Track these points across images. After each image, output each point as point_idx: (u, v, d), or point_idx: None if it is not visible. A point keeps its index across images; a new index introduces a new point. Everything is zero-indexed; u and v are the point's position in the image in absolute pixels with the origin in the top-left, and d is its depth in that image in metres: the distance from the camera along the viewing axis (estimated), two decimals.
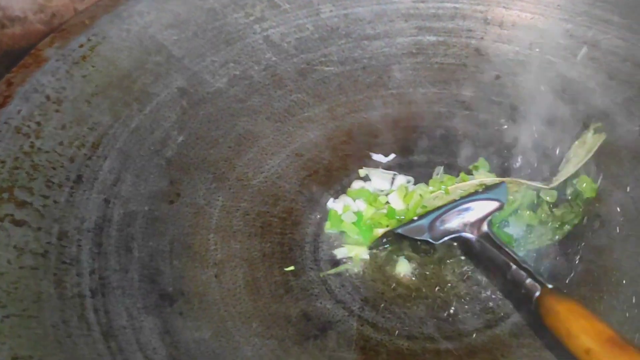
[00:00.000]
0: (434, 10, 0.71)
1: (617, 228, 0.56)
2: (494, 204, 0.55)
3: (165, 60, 0.62)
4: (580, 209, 0.57)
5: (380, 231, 0.57)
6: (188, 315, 0.49)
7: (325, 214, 0.59)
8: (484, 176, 0.60)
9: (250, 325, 0.50)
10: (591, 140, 0.60)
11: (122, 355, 0.44)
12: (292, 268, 0.55)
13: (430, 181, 0.61)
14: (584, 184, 0.58)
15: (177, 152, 0.59)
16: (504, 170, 0.62)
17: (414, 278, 0.55)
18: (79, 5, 0.74)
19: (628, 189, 0.58)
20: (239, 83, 0.66)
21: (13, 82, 0.52)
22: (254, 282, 0.54)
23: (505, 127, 0.65)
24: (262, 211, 0.59)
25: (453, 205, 0.55)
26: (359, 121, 0.67)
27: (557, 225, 0.56)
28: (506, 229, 0.57)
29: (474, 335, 0.51)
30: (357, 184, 0.61)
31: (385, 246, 0.57)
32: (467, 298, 0.53)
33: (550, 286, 0.47)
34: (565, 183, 0.59)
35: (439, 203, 0.57)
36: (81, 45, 0.58)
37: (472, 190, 0.57)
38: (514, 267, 0.49)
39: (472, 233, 0.54)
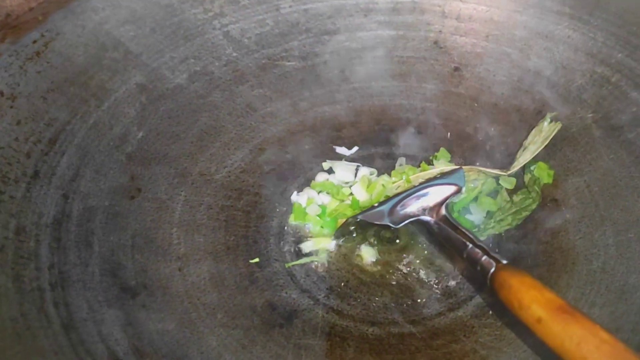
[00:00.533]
0: (392, 4, 0.72)
1: (572, 211, 0.57)
2: (452, 188, 0.56)
3: (123, 57, 0.62)
4: (538, 195, 0.58)
5: (343, 220, 0.57)
6: (151, 307, 0.49)
7: (289, 206, 0.60)
8: (444, 165, 0.61)
9: (215, 316, 0.50)
10: (547, 129, 0.61)
11: (84, 347, 0.43)
12: (257, 260, 0.56)
13: (393, 172, 0.61)
14: (541, 171, 0.60)
15: (137, 148, 0.59)
16: (464, 159, 0.63)
17: (378, 266, 0.56)
18: (34, 4, 0.73)
19: (582, 174, 0.59)
20: (200, 79, 0.66)
21: None
22: (218, 275, 0.54)
23: (465, 117, 0.66)
24: (226, 205, 0.59)
25: (412, 191, 0.56)
26: (322, 115, 0.67)
27: (515, 211, 0.58)
28: (467, 216, 0.58)
29: (437, 318, 0.52)
30: (321, 177, 0.62)
31: (349, 235, 0.57)
32: (430, 283, 0.54)
33: (504, 262, 0.48)
34: (523, 170, 0.60)
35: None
36: (34, 41, 0.57)
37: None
38: (470, 246, 0.50)
39: (431, 216, 0.55)
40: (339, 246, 0.57)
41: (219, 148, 0.63)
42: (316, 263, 0.56)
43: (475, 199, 0.59)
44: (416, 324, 0.51)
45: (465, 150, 0.64)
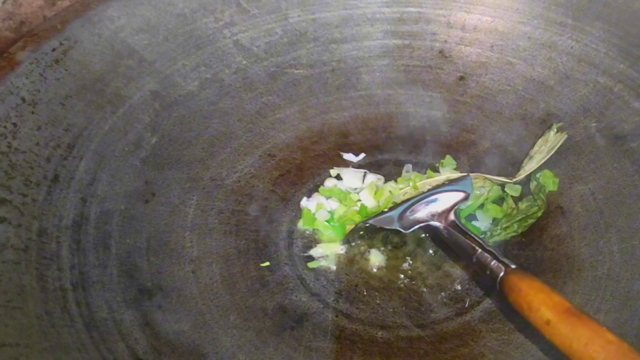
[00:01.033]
0: (398, 14, 0.73)
1: (577, 218, 0.58)
2: (460, 195, 0.57)
3: (137, 64, 0.63)
4: (544, 202, 0.59)
5: (352, 225, 0.58)
6: (167, 308, 0.50)
7: (298, 211, 0.61)
8: (449, 172, 0.63)
9: (228, 317, 0.51)
10: (553, 139, 0.62)
11: (105, 345, 0.45)
12: (267, 264, 0.57)
13: (399, 178, 0.63)
14: (546, 178, 0.61)
15: (151, 153, 0.60)
16: (470, 167, 0.65)
17: (386, 271, 0.57)
18: (48, 12, 0.74)
19: (586, 182, 0.60)
20: (210, 86, 0.67)
21: None
22: (230, 278, 0.55)
23: (470, 125, 0.68)
24: (236, 210, 0.60)
25: (421, 197, 0.57)
26: (329, 122, 0.68)
27: (521, 218, 0.59)
28: (474, 222, 0.60)
29: (445, 322, 0.53)
30: (329, 182, 0.63)
31: (358, 240, 0.58)
32: (438, 288, 0.55)
33: (513, 266, 0.49)
34: (528, 178, 0.62)
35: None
36: (54, 49, 0.58)
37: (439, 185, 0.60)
38: (479, 250, 0.51)
39: (440, 222, 0.56)
40: (347, 251, 0.58)
41: (230, 154, 0.64)
42: (325, 267, 0.57)
43: (482, 206, 0.60)
44: (424, 327, 0.53)
45: (471, 157, 0.65)
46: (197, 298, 0.52)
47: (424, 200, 0.57)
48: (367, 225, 0.57)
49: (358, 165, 0.65)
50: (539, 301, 0.45)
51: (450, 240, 0.55)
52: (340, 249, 0.58)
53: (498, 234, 0.58)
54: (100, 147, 0.57)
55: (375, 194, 0.61)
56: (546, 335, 0.44)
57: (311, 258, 0.57)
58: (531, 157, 0.62)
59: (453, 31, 0.73)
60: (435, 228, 0.56)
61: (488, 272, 0.50)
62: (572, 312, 0.43)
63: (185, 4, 0.67)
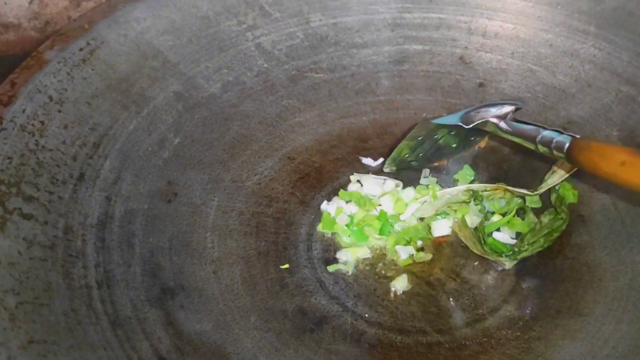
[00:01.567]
0: (419, 20, 0.74)
1: (598, 227, 0.58)
2: (514, 105, 0.60)
3: (162, 65, 0.64)
4: (567, 215, 0.59)
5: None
6: (189, 308, 0.51)
7: (317, 215, 0.61)
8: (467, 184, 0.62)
9: (249, 319, 0.52)
10: None
11: (130, 344, 0.45)
12: (287, 266, 0.57)
13: (418, 186, 0.62)
14: (566, 191, 0.60)
15: (173, 154, 0.61)
16: (488, 174, 0.64)
17: (405, 276, 0.57)
18: (72, 13, 0.75)
19: (608, 191, 0.60)
20: (232, 88, 0.67)
21: (16, 83, 0.53)
22: (250, 279, 0.55)
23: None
24: (256, 211, 0.60)
25: (480, 105, 0.61)
26: (349, 126, 0.69)
27: (546, 232, 0.58)
28: (496, 235, 0.59)
29: (464, 329, 0.53)
30: (353, 187, 0.63)
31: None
32: (457, 294, 0.55)
33: (577, 136, 0.51)
34: (549, 189, 0.61)
35: (429, 207, 0.59)
36: (81, 49, 0.59)
37: (460, 196, 0.59)
38: (544, 131, 0.54)
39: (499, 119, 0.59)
40: (368, 255, 0.58)
41: (250, 156, 0.64)
42: (344, 271, 0.57)
43: (506, 221, 0.59)
44: (444, 333, 0.53)
45: (490, 164, 0.65)
46: (219, 298, 0.53)
47: (484, 106, 0.60)
48: (430, 122, 0.60)
49: (376, 171, 0.65)
50: (612, 149, 0.48)
51: (511, 131, 0.57)
52: (365, 253, 0.58)
53: (525, 250, 0.57)
54: (124, 146, 0.58)
55: (395, 200, 0.61)
56: (621, 177, 0.46)
57: (331, 261, 0.58)
58: (554, 172, 0.62)
59: (474, 37, 0.73)
60: (496, 123, 0.58)
61: (554, 146, 0.52)
62: None
63: (210, 6, 0.68)
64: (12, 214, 0.47)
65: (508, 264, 0.57)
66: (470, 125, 0.59)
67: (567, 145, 0.51)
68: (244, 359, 0.48)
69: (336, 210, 0.60)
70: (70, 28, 0.60)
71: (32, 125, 0.52)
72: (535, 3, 0.71)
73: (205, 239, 0.57)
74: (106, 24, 0.61)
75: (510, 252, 0.57)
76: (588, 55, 0.68)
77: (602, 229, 0.58)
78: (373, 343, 0.52)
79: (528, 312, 0.53)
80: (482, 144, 0.66)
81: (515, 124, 0.57)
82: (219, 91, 0.67)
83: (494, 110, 0.59)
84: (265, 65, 0.70)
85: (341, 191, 0.62)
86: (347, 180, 0.64)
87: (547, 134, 0.53)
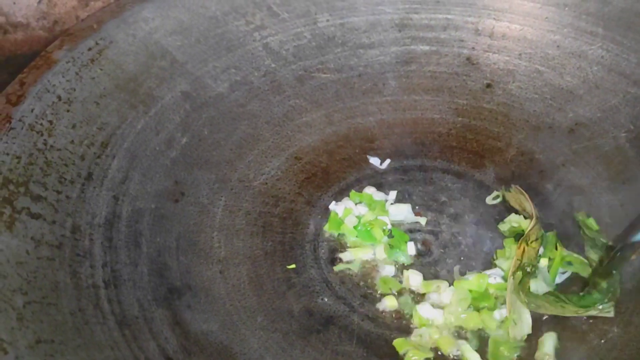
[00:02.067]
0: (426, 21, 0.74)
1: (606, 229, 0.57)
2: None
3: (170, 65, 0.64)
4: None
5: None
6: (196, 308, 0.51)
7: (324, 215, 0.61)
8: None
9: (255, 319, 0.52)
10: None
11: (137, 343, 0.45)
12: (293, 266, 0.57)
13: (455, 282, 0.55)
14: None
15: (181, 153, 0.61)
16: (495, 175, 0.64)
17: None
18: (81, 13, 0.75)
19: (615, 193, 0.60)
20: (240, 88, 0.68)
21: (25, 82, 0.53)
22: (257, 279, 0.55)
23: (497, 132, 0.68)
24: (263, 211, 0.61)
25: None
26: (355, 126, 0.69)
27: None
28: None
29: None
30: (369, 190, 0.63)
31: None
32: None
33: None
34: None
35: None
36: (89, 49, 0.59)
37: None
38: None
39: None
40: (374, 257, 0.58)
41: (257, 155, 0.65)
42: (351, 271, 0.57)
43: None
44: None
45: (497, 165, 0.65)
46: (225, 298, 0.53)
47: None
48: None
49: (383, 171, 0.65)
50: None
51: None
52: (367, 254, 0.58)
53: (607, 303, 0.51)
54: (132, 146, 0.58)
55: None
56: None
57: (337, 261, 0.58)
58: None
59: (481, 38, 0.73)
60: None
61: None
62: None
63: (218, 6, 0.68)
64: (20, 214, 0.47)
65: (611, 311, 0.51)
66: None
67: None
68: (251, 359, 0.48)
69: (344, 211, 0.60)
70: (78, 28, 0.60)
71: (41, 124, 0.53)
72: (543, 4, 0.71)
73: (212, 239, 0.57)
74: (115, 24, 0.62)
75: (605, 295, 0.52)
76: (596, 56, 0.68)
77: (609, 230, 0.57)
78: (379, 343, 0.52)
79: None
80: None
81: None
82: (226, 91, 0.67)
83: None
84: (273, 65, 0.70)
85: (352, 192, 0.62)
86: (354, 181, 0.64)
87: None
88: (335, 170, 0.65)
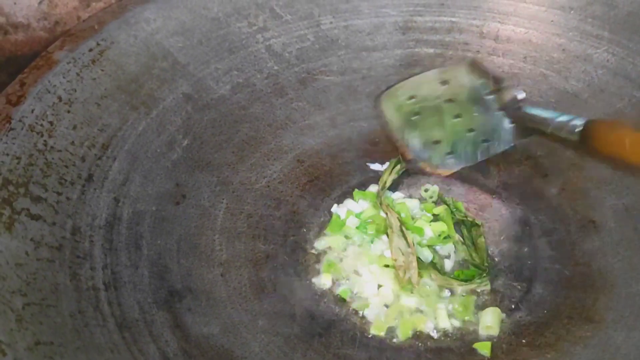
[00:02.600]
0: (431, 23, 0.73)
1: (610, 233, 0.57)
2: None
3: (171, 67, 0.64)
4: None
5: None
6: (196, 311, 0.50)
7: (326, 217, 0.61)
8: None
9: (257, 322, 0.51)
10: None
11: (137, 346, 0.45)
12: (295, 269, 0.56)
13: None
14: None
15: (182, 156, 0.60)
16: (499, 179, 0.64)
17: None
18: (82, 13, 0.75)
19: (620, 196, 0.60)
20: (242, 90, 0.67)
21: (26, 83, 0.53)
22: (258, 282, 0.55)
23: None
24: (265, 214, 0.60)
25: None
26: (358, 129, 0.68)
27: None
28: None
29: (474, 333, 0.52)
30: (373, 188, 0.63)
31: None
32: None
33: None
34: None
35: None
36: (91, 49, 0.59)
37: None
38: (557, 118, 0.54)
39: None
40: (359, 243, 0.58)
41: (259, 158, 0.64)
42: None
43: None
44: (453, 338, 0.52)
45: (500, 169, 0.65)
46: (226, 301, 0.52)
47: None
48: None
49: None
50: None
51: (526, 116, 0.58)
52: (343, 243, 0.58)
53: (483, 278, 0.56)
54: (133, 147, 0.57)
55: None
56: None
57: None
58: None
59: (486, 41, 0.72)
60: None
61: (568, 129, 0.53)
62: None
63: (220, 8, 0.68)
64: (20, 215, 0.47)
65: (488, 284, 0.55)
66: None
67: (580, 126, 0.52)
68: None
69: (346, 213, 0.60)
70: (80, 28, 0.60)
71: (41, 125, 0.52)
72: (548, 7, 0.71)
73: (214, 242, 0.56)
74: (116, 24, 0.61)
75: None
76: (601, 60, 0.68)
77: (614, 235, 0.57)
78: (382, 347, 0.51)
79: (539, 318, 0.53)
80: None
81: (530, 108, 0.58)
82: (228, 93, 0.66)
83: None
84: (275, 67, 0.69)
85: (356, 190, 0.62)
86: (357, 184, 0.64)
87: (560, 118, 0.54)
88: (339, 174, 0.65)
